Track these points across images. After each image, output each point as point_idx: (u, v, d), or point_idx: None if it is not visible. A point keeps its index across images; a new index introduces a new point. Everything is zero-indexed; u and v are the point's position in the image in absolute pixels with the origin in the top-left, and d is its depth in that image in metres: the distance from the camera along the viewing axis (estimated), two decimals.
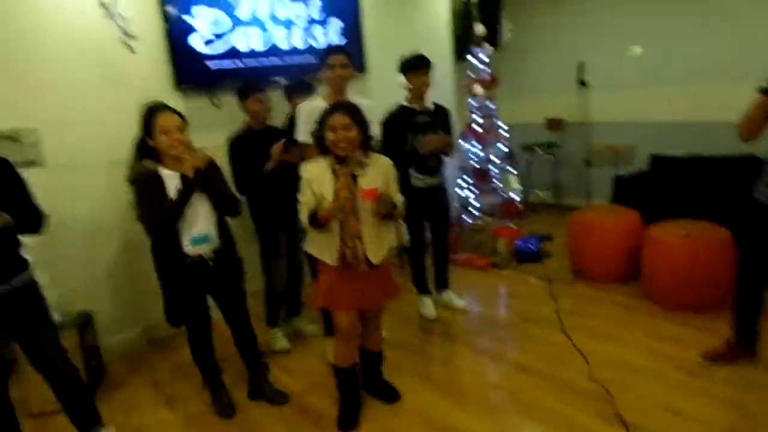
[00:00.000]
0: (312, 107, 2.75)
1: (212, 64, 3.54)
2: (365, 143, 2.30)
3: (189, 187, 2.33)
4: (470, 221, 4.70)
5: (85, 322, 3.02)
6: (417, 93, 3.17)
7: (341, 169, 2.24)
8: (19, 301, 2.15)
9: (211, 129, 3.23)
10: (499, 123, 4.69)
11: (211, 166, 2.49)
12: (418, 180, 3.22)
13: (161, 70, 3.43)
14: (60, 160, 3.11)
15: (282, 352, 3.21)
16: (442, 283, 3.63)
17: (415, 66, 3.12)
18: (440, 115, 3.25)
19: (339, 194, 2.17)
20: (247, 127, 3.11)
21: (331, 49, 2.91)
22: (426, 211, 3.34)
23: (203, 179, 2.38)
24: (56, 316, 2.92)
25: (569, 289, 3.76)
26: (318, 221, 2.19)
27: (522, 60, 5.88)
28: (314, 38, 3.97)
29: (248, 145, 3.04)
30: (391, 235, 2.43)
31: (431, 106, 3.23)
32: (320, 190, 2.22)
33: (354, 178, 2.25)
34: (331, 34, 4.07)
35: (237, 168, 3.04)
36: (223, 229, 2.51)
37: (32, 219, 2.21)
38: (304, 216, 2.23)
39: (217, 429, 2.57)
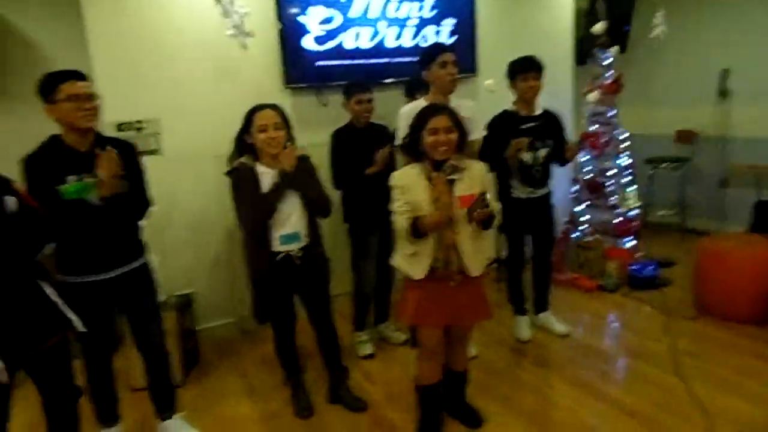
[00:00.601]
0: (415, 109, 2.64)
1: (320, 63, 3.56)
2: (461, 148, 2.16)
3: (283, 182, 2.35)
4: (578, 238, 4.33)
5: (185, 305, 3.17)
6: (524, 98, 2.94)
7: (438, 175, 2.09)
8: (136, 281, 2.29)
9: (318, 127, 3.25)
10: (619, 133, 4.26)
11: (306, 165, 2.49)
12: (519, 191, 3.00)
13: (272, 68, 3.51)
14: (175, 151, 3.31)
15: (366, 358, 3.15)
16: (542, 304, 3.36)
17: (524, 69, 2.90)
18: (549, 121, 2.99)
19: (442, 198, 2.04)
20: (350, 124, 3.10)
21: (442, 47, 2.77)
22: (528, 224, 3.10)
23: (297, 178, 2.38)
24: (161, 297, 3.12)
25: (690, 326, 3.30)
26: (420, 231, 2.07)
27: (653, 64, 5.32)
28: (425, 38, 3.86)
29: (349, 140, 3.03)
30: (488, 246, 2.27)
31: (539, 113, 2.98)
32: (415, 198, 2.10)
33: (450, 184, 2.10)
34: (444, 33, 3.93)
35: (336, 162, 3.04)
36: (313, 229, 2.50)
37: (141, 205, 2.33)
38: (402, 226, 2.09)
39: (292, 429, 2.56)
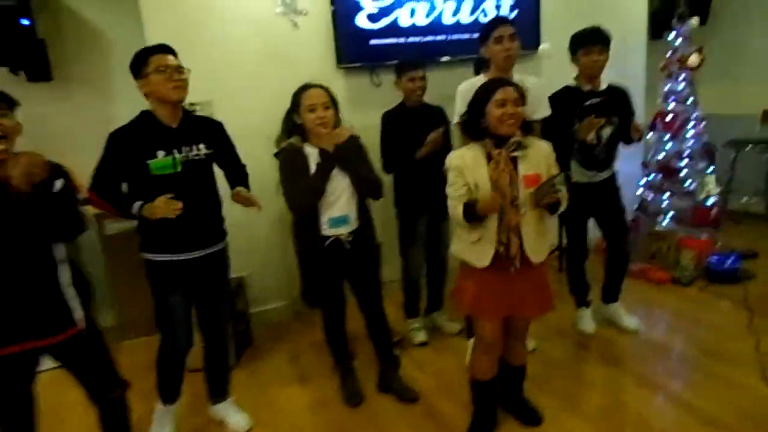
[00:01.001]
0: (473, 87, 2.48)
1: (374, 42, 3.43)
2: (526, 125, 2.00)
3: (328, 162, 2.27)
4: (650, 226, 4.03)
5: (238, 288, 3.17)
6: (587, 73, 2.70)
7: (500, 152, 1.94)
8: (214, 264, 2.28)
9: (371, 107, 3.15)
10: (697, 113, 3.90)
11: (355, 144, 2.40)
12: (579, 174, 2.78)
13: (325, 47, 3.41)
14: (229, 130, 3.28)
15: (419, 345, 3.05)
16: (612, 294, 3.10)
17: (587, 41, 2.66)
18: (615, 97, 2.73)
19: (501, 179, 1.91)
20: (401, 104, 2.98)
21: (498, 20, 2.60)
22: (591, 210, 2.88)
23: (344, 157, 2.30)
24: None
25: None
26: (477, 214, 1.93)
27: (737, 35, 4.86)
28: (484, 12, 3.65)
29: (400, 121, 2.92)
30: (551, 232, 2.12)
31: (604, 88, 2.73)
32: (475, 179, 1.95)
33: (513, 163, 1.95)
34: (504, 7, 3.70)
35: (386, 144, 2.94)
36: (363, 212, 2.41)
37: (244, 174, 2.46)
38: (458, 210, 1.95)
39: (341, 417, 2.50)
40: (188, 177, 2.10)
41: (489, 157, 1.96)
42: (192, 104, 3.22)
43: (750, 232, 4.37)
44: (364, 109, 3.26)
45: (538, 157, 2.00)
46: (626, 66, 4.32)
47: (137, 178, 2.07)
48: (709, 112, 4.95)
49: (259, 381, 2.88)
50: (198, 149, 2.16)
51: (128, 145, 2.06)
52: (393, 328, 3.12)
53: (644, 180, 4.09)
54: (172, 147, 2.09)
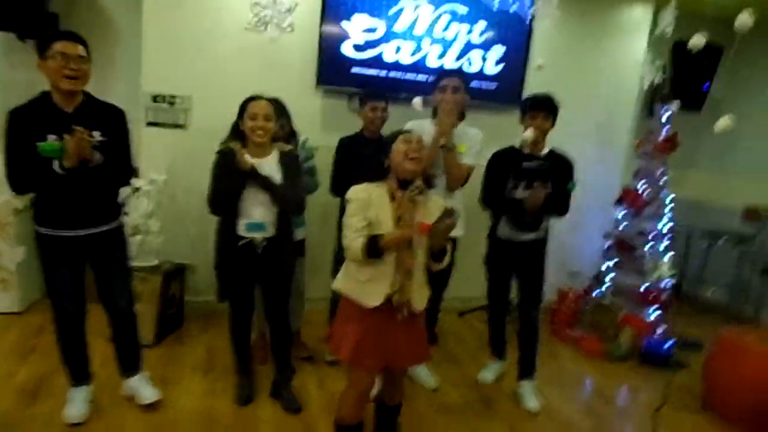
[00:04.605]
0: (417, 128, 2.62)
1: (355, 70, 3.61)
2: (427, 179, 2.10)
3: (248, 175, 2.40)
4: (599, 297, 4.04)
5: (173, 273, 3.34)
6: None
7: (404, 194, 1.99)
8: (106, 241, 2.39)
9: (345, 131, 3.25)
10: (666, 195, 3.93)
11: (290, 161, 2.55)
12: (503, 230, 2.84)
13: (307, 66, 3.60)
14: (199, 128, 3.49)
15: (329, 364, 3.14)
16: (523, 369, 2.96)
17: (531, 107, 2.75)
18: (555, 165, 2.78)
19: (405, 217, 1.96)
20: (360, 132, 3.12)
21: (444, 72, 2.76)
22: (513, 268, 2.93)
23: (264, 178, 2.43)
24: (155, 261, 3.31)
25: (684, 419, 2.97)
26: (380, 249, 1.93)
27: (732, 129, 4.85)
28: (470, 61, 3.80)
29: (354, 149, 3.04)
30: (427, 286, 2.13)
31: (544, 153, 2.80)
32: (377, 215, 1.98)
33: (413, 205, 2.02)
34: (490, 60, 3.84)
35: (336, 168, 3.07)
36: (282, 222, 2.53)
37: (122, 173, 2.39)
38: (357, 243, 1.93)
39: (223, 411, 2.59)
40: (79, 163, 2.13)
41: (392, 198, 2.01)
42: (173, 96, 3.47)
43: (706, 323, 4.31)
44: (336, 130, 3.37)
45: (433, 210, 2.02)
46: (611, 138, 4.40)
47: (26, 158, 2.09)
48: (694, 198, 5.00)
49: (170, 363, 3.01)
50: (91, 136, 2.16)
51: (22, 125, 2.11)
52: (306, 343, 3.26)
53: (602, 251, 4.12)
54: (63, 131, 2.09)
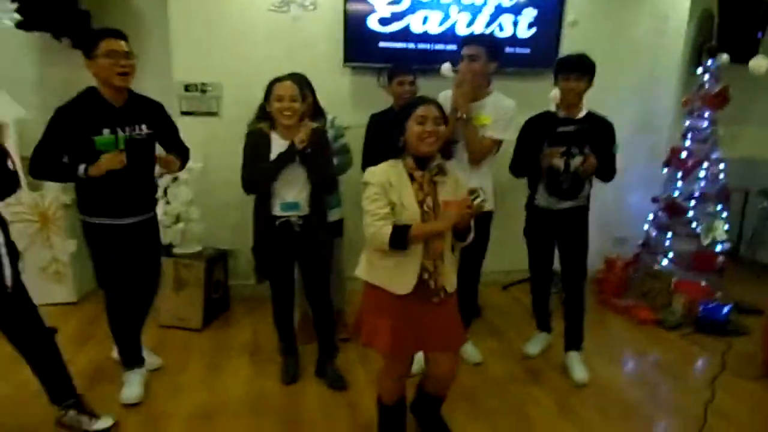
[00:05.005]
0: (444, 98, 2.56)
1: (383, 44, 3.53)
2: (446, 151, 2.01)
3: (290, 155, 2.41)
4: (647, 263, 3.89)
5: (216, 258, 3.41)
6: (564, 99, 2.65)
7: (423, 174, 1.90)
8: (145, 229, 2.52)
9: (375, 107, 3.21)
10: (717, 154, 3.71)
11: (321, 139, 2.53)
12: (541, 199, 2.75)
13: (334, 45, 3.54)
14: (232, 115, 3.51)
15: (344, 340, 3.11)
16: (570, 341, 2.88)
17: (564, 68, 2.61)
18: (593, 128, 2.64)
19: (428, 202, 1.87)
20: (390, 108, 3.07)
21: (464, 39, 2.64)
22: (554, 237, 2.83)
23: (306, 153, 2.43)
24: (198, 247, 3.38)
25: (745, 387, 2.83)
26: (407, 239, 1.84)
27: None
28: (501, 26, 3.66)
29: (385, 125, 2.98)
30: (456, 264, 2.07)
31: (581, 116, 2.66)
32: (400, 199, 1.87)
33: (434, 186, 1.92)
34: (522, 25, 3.69)
35: (367, 146, 3.04)
36: (315, 201, 2.54)
37: (183, 150, 2.65)
38: (383, 231, 1.82)
39: (269, 392, 2.64)
40: (129, 154, 2.27)
41: (411, 178, 1.90)
42: (204, 84, 3.50)
43: (765, 288, 4.08)
44: (367, 108, 3.31)
45: (455, 187, 1.96)
46: (658, 97, 4.17)
47: (81, 152, 2.23)
48: (749, 155, 4.71)
49: (217, 346, 3.10)
50: (140, 129, 2.36)
51: (75, 121, 2.22)
52: (349, 323, 3.26)
53: (651, 216, 3.94)
54: (116, 126, 2.27)
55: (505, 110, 2.61)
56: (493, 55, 2.56)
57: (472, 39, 2.62)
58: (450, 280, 1.98)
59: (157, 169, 2.58)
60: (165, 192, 3.30)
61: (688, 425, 2.48)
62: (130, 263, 2.48)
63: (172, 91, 3.46)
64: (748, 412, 2.60)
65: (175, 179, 3.29)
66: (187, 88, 3.45)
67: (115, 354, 2.68)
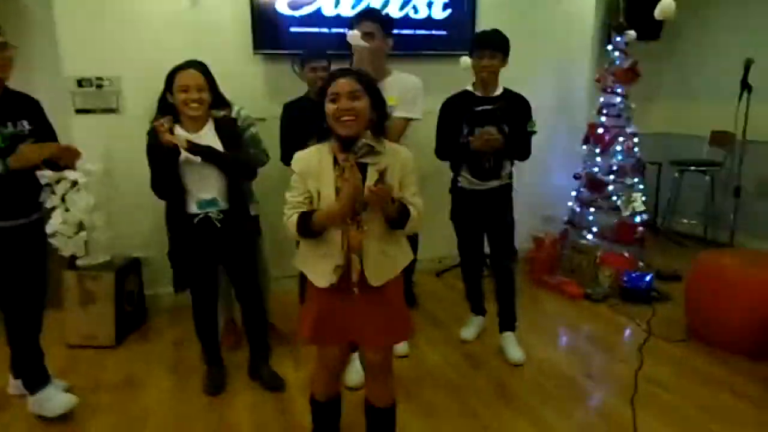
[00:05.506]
0: None
1: (294, 29, 3.37)
2: (379, 126, 1.77)
3: (172, 153, 2.20)
4: (573, 239, 3.96)
5: (127, 267, 3.13)
6: (479, 78, 2.61)
7: (347, 157, 1.68)
8: (30, 234, 2.27)
9: (290, 95, 3.02)
10: (631, 129, 3.83)
11: (231, 129, 2.41)
12: (464, 180, 2.70)
13: (241, 32, 3.33)
14: (134, 110, 3.24)
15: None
16: (503, 322, 2.85)
17: (477, 45, 2.56)
18: (510, 106, 2.60)
19: (347, 188, 1.64)
20: (305, 95, 2.92)
21: (356, 16, 2.55)
22: (480, 218, 2.78)
23: (206, 150, 2.26)
24: (106, 257, 3.10)
25: (671, 351, 2.92)
26: (312, 228, 1.70)
27: (691, 56, 4.77)
28: (415, 8, 3.59)
29: (300, 114, 2.83)
30: (403, 253, 1.86)
31: (497, 94, 2.63)
32: (318, 186, 1.71)
33: (363, 169, 1.69)
34: (437, 5, 3.64)
35: (284, 135, 2.88)
36: (234, 193, 2.37)
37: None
38: (291, 221, 1.71)
39: (192, 405, 2.44)
40: (11, 151, 2.07)
41: (336, 162, 1.71)
42: (99, 78, 3.20)
43: (683, 254, 4.27)
44: (283, 97, 3.13)
45: (393, 166, 1.72)
46: (571, 73, 4.25)
47: None
48: (661, 130, 4.93)
49: (134, 362, 2.84)
50: (22, 125, 2.16)
51: None
52: (275, 324, 3.10)
53: (574, 192, 4.02)
54: None
55: (409, 88, 2.53)
56: (388, 31, 2.45)
57: (364, 15, 2.51)
58: (378, 273, 1.77)
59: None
60: (63, 199, 2.98)
61: (622, 393, 2.51)
62: (16, 271, 2.22)
63: (65, 87, 3.14)
64: (676, 374, 2.67)
65: (74, 184, 2.98)
66: (80, 83, 3.14)
67: (12, 388, 2.40)
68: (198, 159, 2.24)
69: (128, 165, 3.24)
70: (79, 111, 3.18)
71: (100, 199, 3.08)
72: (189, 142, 2.22)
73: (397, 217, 1.71)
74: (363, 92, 1.69)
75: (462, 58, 2.74)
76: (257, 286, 2.58)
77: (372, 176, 1.65)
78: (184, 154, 2.22)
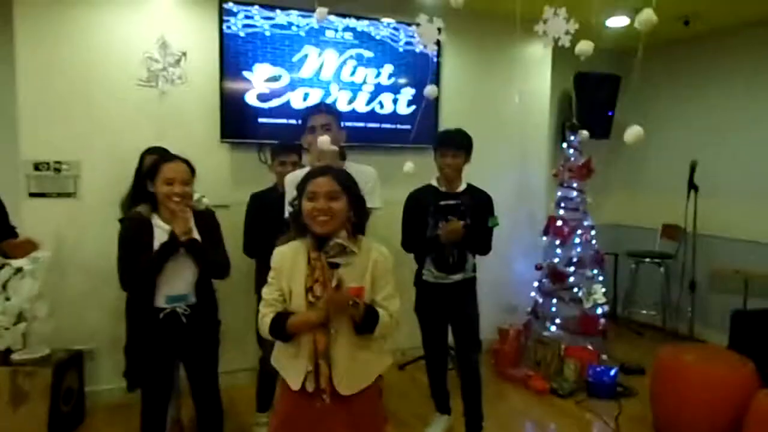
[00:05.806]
0: (297, 177, 2.41)
1: (263, 120, 3.43)
2: (356, 224, 1.73)
3: (174, 246, 2.15)
4: (539, 331, 3.94)
5: (66, 362, 2.90)
6: (443, 174, 2.68)
7: (318, 256, 1.66)
8: None
9: (257, 184, 3.04)
10: (588, 221, 3.96)
11: (209, 222, 2.35)
12: (428, 274, 2.69)
13: (210, 120, 3.36)
14: (93, 196, 3.16)
15: None
16: (470, 423, 2.74)
17: (441, 143, 2.67)
18: (474, 200, 2.67)
19: (327, 295, 1.61)
20: (273, 187, 2.91)
21: (309, 109, 2.60)
22: (445, 311, 2.75)
23: (192, 243, 2.21)
24: (45, 350, 2.88)
25: None
26: (284, 331, 1.65)
27: (637, 151, 5.07)
28: (381, 104, 3.73)
29: (266, 205, 2.81)
30: (377, 359, 1.79)
31: (461, 189, 2.70)
32: (290, 285, 1.68)
33: (334, 270, 1.65)
34: (402, 102, 3.80)
35: (248, 226, 2.85)
36: (204, 289, 2.29)
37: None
38: (265, 320, 1.67)
39: None
40: None
41: (310, 260, 1.68)
42: (58, 162, 3.13)
43: (643, 345, 4.30)
44: (249, 185, 3.12)
45: (365, 266, 1.70)
46: (529, 168, 4.43)
47: None
48: (613, 222, 5.12)
49: None
50: None
51: None
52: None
53: (536, 283, 4.05)
54: None
55: (366, 179, 2.53)
56: (340, 124, 2.50)
57: (320, 108, 2.55)
58: (348, 381, 1.67)
59: None
60: (4, 286, 2.80)
61: None
62: None
63: (18, 169, 3.05)
64: None
65: (18, 270, 2.81)
66: (37, 167, 3.05)
67: None
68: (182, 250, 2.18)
69: (79, 252, 3.12)
70: (32, 194, 3.06)
71: (44, 288, 2.91)
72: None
73: (363, 322, 1.65)
74: (341, 192, 1.69)
75: (407, 163, 2.70)
76: (216, 384, 2.42)
77: (335, 280, 1.61)
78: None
